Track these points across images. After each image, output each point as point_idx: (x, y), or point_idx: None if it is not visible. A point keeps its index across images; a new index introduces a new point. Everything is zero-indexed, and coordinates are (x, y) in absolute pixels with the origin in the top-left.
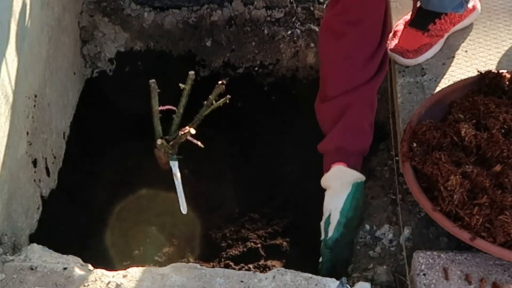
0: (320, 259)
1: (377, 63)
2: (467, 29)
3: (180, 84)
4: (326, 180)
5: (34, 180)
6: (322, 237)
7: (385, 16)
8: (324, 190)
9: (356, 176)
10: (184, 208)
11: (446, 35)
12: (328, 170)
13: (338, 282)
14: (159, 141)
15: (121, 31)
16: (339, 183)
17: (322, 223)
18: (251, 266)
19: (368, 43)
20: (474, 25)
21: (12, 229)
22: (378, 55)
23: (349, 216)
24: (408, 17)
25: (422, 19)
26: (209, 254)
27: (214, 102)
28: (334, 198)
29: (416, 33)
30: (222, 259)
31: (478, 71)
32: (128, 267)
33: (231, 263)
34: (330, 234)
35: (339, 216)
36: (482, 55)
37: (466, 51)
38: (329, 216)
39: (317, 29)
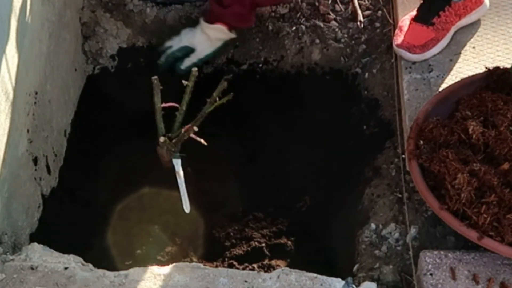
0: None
1: None
2: (475, 25)
3: (183, 81)
4: (209, 29)
5: (35, 178)
6: (168, 54)
7: None
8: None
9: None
10: (187, 207)
11: (452, 29)
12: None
13: (343, 282)
14: (161, 139)
15: (123, 27)
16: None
17: (175, 47)
18: (255, 265)
19: None
20: (482, 21)
21: (12, 228)
22: None
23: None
24: (414, 13)
25: (426, 12)
26: (213, 254)
27: (217, 99)
28: (205, 45)
29: (422, 28)
30: (226, 259)
31: (486, 68)
32: (130, 267)
33: (234, 263)
34: (184, 65)
35: (200, 58)
36: (490, 51)
37: (473, 47)
38: (192, 50)
39: (322, 25)
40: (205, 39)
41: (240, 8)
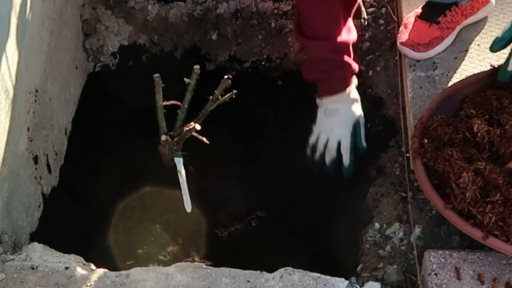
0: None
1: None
2: (480, 22)
3: (185, 79)
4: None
5: (35, 177)
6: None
7: None
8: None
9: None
10: (188, 206)
11: (457, 28)
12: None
13: (347, 282)
14: (163, 137)
15: (124, 24)
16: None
17: (348, 133)
18: (257, 265)
19: None
20: (487, 18)
21: (12, 227)
22: None
23: None
24: (419, 10)
25: (432, 11)
26: (215, 253)
27: (220, 97)
28: (359, 109)
29: (427, 26)
30: (229, 258)
31: (491, 65)
32: (132, 267)
33: (237, 262)
34: (364, 142)
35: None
36: None
37: (478, 45)
38: (358, 124)
39: None
40: (356, 102)
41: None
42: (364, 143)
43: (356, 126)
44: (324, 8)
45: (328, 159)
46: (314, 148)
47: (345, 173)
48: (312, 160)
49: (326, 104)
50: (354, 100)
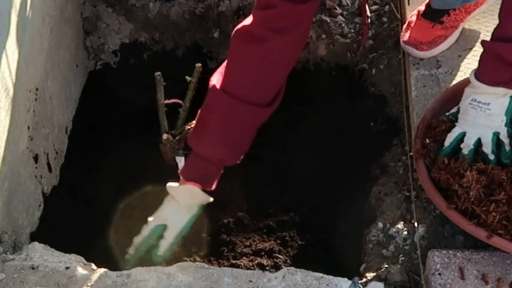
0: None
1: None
2: (484, 19)
3: (187, 77)
4: (177, 192)
5: (36, 176)
6: (139, 245)
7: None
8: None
9: (206, 199)
10: None
11: (461, 26)
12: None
13: (350, 281)
14: (164, 136)
15: (125, 22)
16: (188, 203)
17: (144, 233)
18: (260, 265)
19: (287, 54)
20: (491, 15)
21: (12, 227)
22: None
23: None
24: (422, 8)
25: (436, 12)
26: (217, 253)
27: None
28: (178, 214)
29: (430, 25)
30: (230, 258)
31: None
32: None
33: (239, 262)
34: (161, 250)
35: (176, 235)
36: None
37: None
38: (164, 228)
39: (328, 20)
40: (175, 207)
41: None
42: (160, 251)
43: (162, 229)
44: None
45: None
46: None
47: None
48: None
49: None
50: (186, 203)
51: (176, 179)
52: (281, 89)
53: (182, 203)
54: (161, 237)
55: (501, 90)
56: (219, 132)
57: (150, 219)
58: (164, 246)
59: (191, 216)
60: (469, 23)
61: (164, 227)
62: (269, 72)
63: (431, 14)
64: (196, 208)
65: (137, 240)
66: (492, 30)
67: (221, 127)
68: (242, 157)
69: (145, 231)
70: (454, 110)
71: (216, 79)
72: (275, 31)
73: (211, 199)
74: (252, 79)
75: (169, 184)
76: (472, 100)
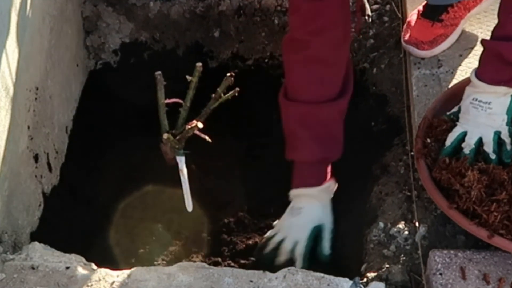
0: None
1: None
2: (485, 18)
3: (187, 76)
4: (320, 193)
5: (36, 176)
6: (304, 254)
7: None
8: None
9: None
10: (189, 206)
11: (462, 23)
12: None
13: (351, 281)
14: (165, 136)
15: (125, 21)
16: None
17: (302, 243)
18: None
19: (331, 55)
20: (492, 14)
21: (12, 227)
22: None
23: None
24: (422, 8)
25: (434, 10)
26: (217, 253)
27: (222, 95)
28: (327, 212)
29: (430, 24)
30: (231, 258)
31: None
32: (133, 267)
33: (240, 262)
34: (327, 249)
35: (332, 229)
36: None
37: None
38: (321, 228)
39: None
40: (321, 205)
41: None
42: (326, 251)
43: (318, 230)
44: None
45: (279, 258)
46: (268, 241)
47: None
48: (262, 250)
49: (294, 201)
50: (322, 202)
51: (176, 178)
52: (347, 79)
53: (325, 200)
54: (318, 238)
55: (502, 89)
56: (308, 136)
57: (302, 225)
58: (328, 244)
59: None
60: (470, 22)
61: (321, 228)
62: (322, 73)
63: (430, 13)
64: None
65: (300, 248)
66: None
67: (307, 132)
68: (342, 147)
69: (301, 240)
70: (455, 109)
71: (282, 92)
72: (312, 33)
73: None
74: (310, 83)
75: (304, 190)
76: (473, 99)
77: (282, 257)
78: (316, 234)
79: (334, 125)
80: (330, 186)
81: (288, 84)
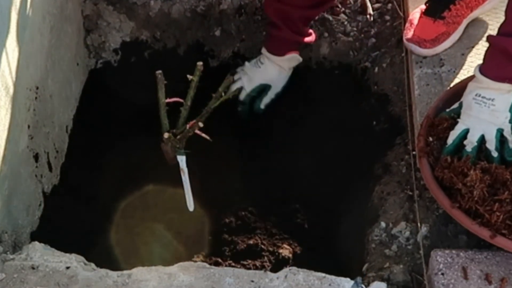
0: None
1: None
2: (487, 17)
3: (188, 76)
4: (283, 60)
5: (36, 176)
6: (245, 98)
7: None
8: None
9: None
10: (191, 205)
11: (464, 22)
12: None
13: (352, 281)
14: (166, 135)
15: (126, 20)
16: (288, 66)
17: (248, 89)
18: (261, 265)
19: None
20: (495, 13)
21: (12, 226)
22: None
23: None
24: (424, 6)
25: (436, 7)
26: (218, 253)
27: (223, 94)
28: (281, 77)
29: (432, 22)
30: (232, 258)
31: None
32: (134, 266)
33: (241, 262)
34: (264, 103)
35: (277, 92)
36: None
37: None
38: (268, 87)
39: (331, 18)
40: (279, 71)
41: (297, 26)
42: (261, 106)
43: (263, 88)
44: None
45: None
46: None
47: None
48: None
49: (261, 56)
50: (280, 67)
51: (177, 178)
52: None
53: (287, 67)
54: (262, 92)
55: (506, 86)
56: (286, 27)
57: (251, 79)
58: (266, 100)
59: (288, 77)
60: (473, 22)
61: (267, 87)
62: None
63: (432, 10)
64: (291, 69)
65: (242, 94)
66: (495, 29)
67: (286, 24)
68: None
69: (248, 87)
70: (455, 106)
71: None
72: None
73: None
74: None
75: (271, 54)
76: (476, 95)
77: (229, 93)
78: (262, 89)
79: (302, 23)
80: (293, 58)
81: None
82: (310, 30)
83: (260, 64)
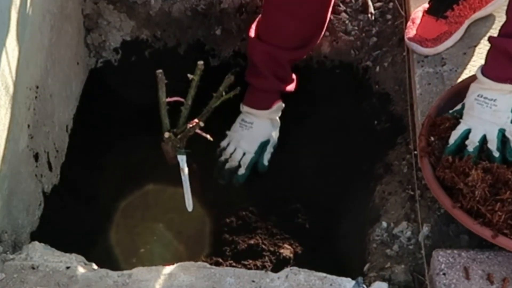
0: None
1: None
2: (490, 17)
3: (189, 75)
4: (268, 113)
5: (36, 175)
6: (248, 165)
7: None
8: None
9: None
10: (189, 205)
11: (466, 23)
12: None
13: (353, 281)
14: (166, 134)
15: (126, 19)
16: (276, 116)
17: (249, 155)
18: (262, 265)
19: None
20: (497, 12)
21: (12, 226)
22: None
23: None
24: (427, 5)
25: (439, 6)
26: (219, 253)
27: (224, 93)
28: (274, 128)
29: (434, 21)
30: (233, 258)
31: None
32: (134, 266)
33: (242, 262)
34: (267, 159)
35: (275, 143)
36: None
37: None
38: (267, 142)
39: (332, 17)
40: (272, 123)
41: (281, 72)
42: (265, 163)
43: (263, 145)
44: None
45: (228, 166)
46: (221, 152)
47: (234, 181)
48: (217, 162)
49: (244, 115)
50: (272, 120)
51: (177, 177)
52: (313, 34)
53: (276, 117)
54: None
55: (508, 86)
56: (269, 72)
57: (248, 144)
58: (268, 156)
59: (279, 125)
60: (474, 21)
61: (267, 143)
62: (292, 25)
63: (435, 9)
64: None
65: (247, 159)
66: (496, 28)
67: (269, 68)
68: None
69: (248, 152)
70: (458, 107)
71: (254, 29)
72: None
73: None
74: (279, 29)
75: (255, 111)
76: (478, 95)
77: (232, 163)
78: (261, 148)
79: (289, 67)
80: (279, 107)
81: (261, 25)
82: (293, 76)
83: (249, 124)
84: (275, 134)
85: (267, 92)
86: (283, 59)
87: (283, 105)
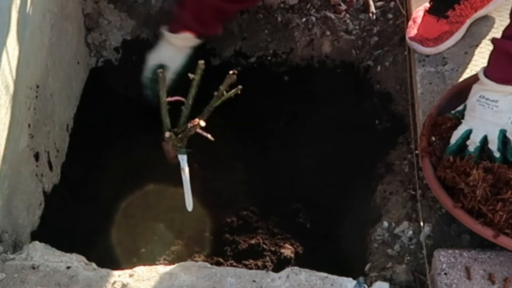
0: None
1: None
2: (491, 16)
3: (189, 74)
4: (174, 38)
5: (36, 175)
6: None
7: None
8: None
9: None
10: (190, 205)
11: (467, 22)
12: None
13: (355, 281)
14: (167, 134)
15: (127, 18)
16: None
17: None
18: (263, 265)
19: None
20: (498, 12)
21: (13, 226)
22: None
23: None
24: (428, 4)
25: (440, 5)
26: (220, 253)
27: (225, 93)
28: (176, 56)
29: (436, 21)
30: (233, 258)
31: None
32: (135, 266)
33: (242, 262)
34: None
35: (175, 72)
36: None
37: (489, 40)
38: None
39: (333, 16)
40: (173, 50)
41: (202, 14)
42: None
43: (159, 67)
44: None
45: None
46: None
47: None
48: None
49: (164, 41)
50: (178, 47)
51: (178, 177)
52: None
53: (180, 45)
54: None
55: (510, 88)
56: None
57: (149, 62)
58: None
59: (187, 56)
60: (476, 20)
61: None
62: None
63: (436, 8)
64: (191, 50)
65: (144, 80)
66: (498, 27)
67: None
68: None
69: (147, 72)
70: (460, 107)
71: None
72: None
73: (202, 41)
74: None
75: (166, 31)
76: (480, 96)
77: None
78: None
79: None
80: (187, 36)
81: None
82: (220, 29)
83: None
84: (175, 61)
85: (179, 19)
86: (206, 3)
87: (200, 41)
